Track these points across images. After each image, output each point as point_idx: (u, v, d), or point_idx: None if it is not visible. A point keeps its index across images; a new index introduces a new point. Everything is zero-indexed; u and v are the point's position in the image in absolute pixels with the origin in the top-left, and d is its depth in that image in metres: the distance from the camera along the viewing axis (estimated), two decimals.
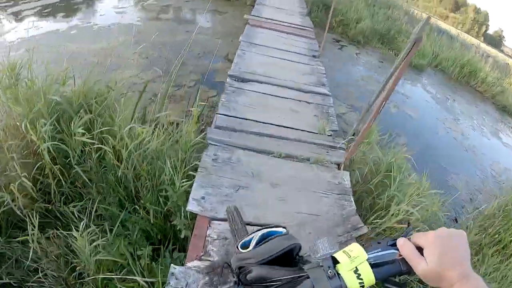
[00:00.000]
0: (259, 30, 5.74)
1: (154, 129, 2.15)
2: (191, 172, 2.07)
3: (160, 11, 7.78)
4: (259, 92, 3.60)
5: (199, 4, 8.84)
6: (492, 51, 12.50)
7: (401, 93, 6.52)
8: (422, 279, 0.56)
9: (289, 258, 0.71)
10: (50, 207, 2.17)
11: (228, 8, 8.98)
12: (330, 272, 0.58)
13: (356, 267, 0.57)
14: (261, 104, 3.37)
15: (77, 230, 1.99)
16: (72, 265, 1.83)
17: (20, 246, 1.88)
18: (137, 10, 7.53)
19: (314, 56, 5.14)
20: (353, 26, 8.85)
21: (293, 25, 6.57)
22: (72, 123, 1.91)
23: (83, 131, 1.88)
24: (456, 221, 3.76)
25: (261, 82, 3.83)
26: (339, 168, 2.63)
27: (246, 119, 2.98)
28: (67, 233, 1.73)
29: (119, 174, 1.99)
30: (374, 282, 0.58)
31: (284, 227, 0.75)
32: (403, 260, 0.58)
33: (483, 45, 13.23)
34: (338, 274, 0.58)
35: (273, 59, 4.71)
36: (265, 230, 0.74)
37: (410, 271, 0.58)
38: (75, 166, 1.92)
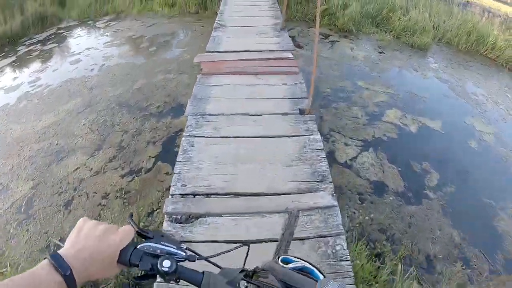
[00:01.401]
0: (215, 81, 4.12)
1: None
2: None
3: (117, 48, 6.65)
4: (217, 243, 2.15)
5: (162, 27, 7.67)
6: (501, 6, 11.04)
7: (414, 94, 5.41)
8: None
9: None
10: None
11: (196, 24, 7.81)
12: None
13: None
14: None
15: None
16: None
17: None
18: (92, 56, 6.42)
19: (301, 113, 3.50)
20: (340, 14, 7.71)
21: (266, 55, 4.88)
22: None
23: None
24: None
25: (220, 215, 2.31)
26: None
27: None
28: None
29: None
30: None
31: (324, 276, 0.74)
32: None
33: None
34: None
35: (237, 144, 3.03)
36: (309, 266, 0.75)
37: None
38: None
